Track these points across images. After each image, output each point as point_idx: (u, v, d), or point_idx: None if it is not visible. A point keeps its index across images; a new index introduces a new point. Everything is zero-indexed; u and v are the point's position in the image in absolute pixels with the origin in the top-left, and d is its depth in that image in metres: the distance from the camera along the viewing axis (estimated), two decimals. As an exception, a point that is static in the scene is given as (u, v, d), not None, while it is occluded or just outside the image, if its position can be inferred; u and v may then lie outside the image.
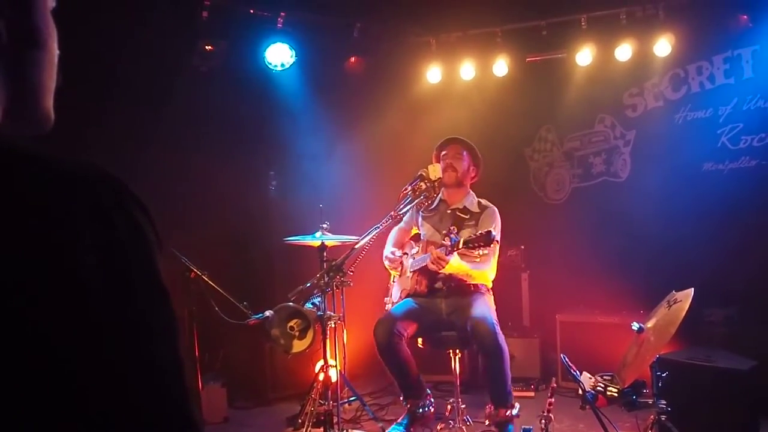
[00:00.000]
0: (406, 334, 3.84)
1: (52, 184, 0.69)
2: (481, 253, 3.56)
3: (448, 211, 4.11)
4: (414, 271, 4.01)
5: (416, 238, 4.31)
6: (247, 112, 5.39)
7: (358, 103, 5.79)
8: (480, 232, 3.51)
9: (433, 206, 4.15)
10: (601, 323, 5.06)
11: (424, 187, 3.75)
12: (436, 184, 3.77)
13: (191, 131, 5.05)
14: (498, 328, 3.70)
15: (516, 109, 5.96)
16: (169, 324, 0.74)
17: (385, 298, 4.28)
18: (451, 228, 3.83)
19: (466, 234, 3.83)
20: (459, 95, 5.99)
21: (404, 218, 4.14)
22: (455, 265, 3.69)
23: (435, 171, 3.79)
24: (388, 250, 4.21)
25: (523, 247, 5.63)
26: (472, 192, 4.19)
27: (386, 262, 4.16)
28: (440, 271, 3.75)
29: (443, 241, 3.72)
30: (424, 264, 3.87)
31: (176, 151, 4.79)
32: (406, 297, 4.05)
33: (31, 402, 0.66)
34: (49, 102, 0.85)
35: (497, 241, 3.89)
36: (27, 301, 0.66)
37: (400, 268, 4.17)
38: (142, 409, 0.70)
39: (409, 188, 3.75)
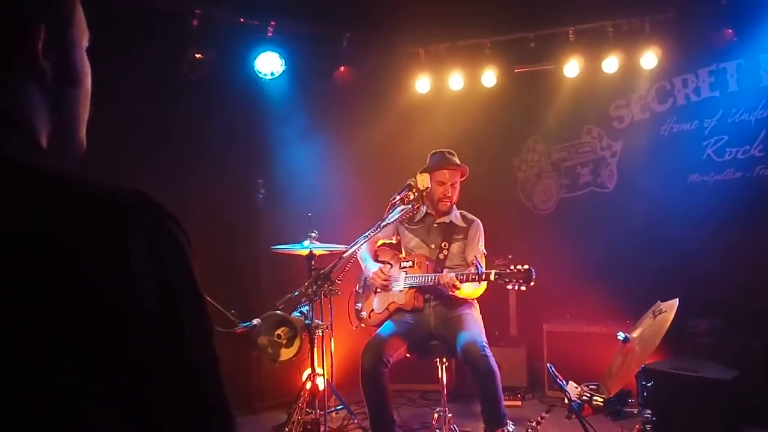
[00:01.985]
0: (392, 360, 3.78)
1: (103, 207, 0.77)
2: (516, 287, 3.56)
3: (435, 225, 4.10)
4: (408, 288, 3.95)
5: (395, 247, 4.27)
6: (236, 120, 5.39)
7: (347, 112, 5.80)
8: (520, 267, 3.52)
9: (419, 218, 4.12)
10: (587, 333, 5.06)
11: (412, 196, 3.73)
12: (423, 194, 3.75)
13: (179, 140, 5.03)
14: (488, 350, 3.66)
15: (504, 119, 6.02)
16: (207, 327, 0.83)
17: (357, 305, 4.18)
18: (443, 244, 3.88)
19: (456, 248, 3.91)
20: (448, 105, 6.01)
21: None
22: (466, 291, 3.71)
23: (423, 181, 3.75)
24: (377, 266, 4.11)
25: (510, 256, 4.92)
26: (455, 207, 4.21)
27: (378, 281, 4.03)
28: (453, 294, 3.75)
29: (470, 269, 3.73)
30: (427, 283, 3.85)
31: (164, 160, 4.77)
32: (394, 310, 3.99)
33: (84, 395, 0.73)
34: (83, 131, 0.95)
35: (484, 252, 3.96)
36: (86, 315, 0.73)
37: (388, 281, 4.06)
38: (188, 404, 0.78)
39: (398, 198, 3.72)
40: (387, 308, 4.01)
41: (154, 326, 0.76)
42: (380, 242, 4.24)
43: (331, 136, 5.70)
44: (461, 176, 4.13)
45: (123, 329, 0.74)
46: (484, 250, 3.96)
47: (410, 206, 3.74)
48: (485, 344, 3.69)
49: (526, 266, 3.48)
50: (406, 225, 4.15)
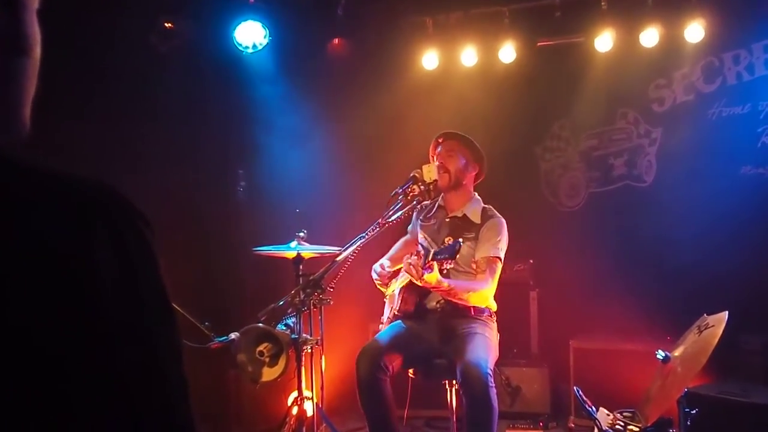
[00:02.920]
0: (391, 368, 3.78)
1: (64, 201, 0.79)
2: (447, 267, 3.55)
3: (447, 219, 4.09)
4: (401, 288, 3.96)
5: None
6: (212, 100, 5.40)
7: (341, 92, 5.78)
8: (447, 241, 3.55)
9: (431, 212, 4.15)
10: (621, 351, 5.05)
11: (417, 190, 3.76)
12: (431, 187, 3.78)
13: (146, 121, 5.02)
14: (491, 380, 3.57)
15: (525, 101, 5.96)
16: (178, 346, 0.86)
17: (382, 317, 4.26)
18: (446, 240, 3.83)
19: (465, 249, 3.80)
20: (459, 84, 5.97)
21: (409, 228, 4.21)
22: (434, 282, 3.52)
23: (430, 172, 3.79)
24: (377, 264, 4.18)
25: (531, 261, 5.62)
26: (477, 197, 4.14)
27: (373, 275, 4.13)
28: (421, 285, 3.63)
29: (418, 250, 3.69)
30: (402, 277, 3.89)
31: (127, 145, 4.79)
32: (394, 318, 4.03)
33: (40, 413, 0.75)
34: (28, 110, 0.93)
35: (500, 258, 3.88)
36: (39, 315, 0.75)
37: (380, 279, 4.16)
38: (149, 424, 0.80)
39: (401, 192, 3.74)
40: (390, 316, 4.08)
41: (120, 342, 0.77)
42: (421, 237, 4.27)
43: (323, 120, 5.68)
44: (469, 152, 4.08)
45: (85, 341, 0.75)
46: (500, 255, 3.88)
47: (415, 202, 3.80)
48: (490, 372, 3.59)
49: (452, 240, 3.47)
50: (421, 220, 4.19)
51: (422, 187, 3.75)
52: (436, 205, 4.13)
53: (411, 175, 3.77)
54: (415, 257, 3.46)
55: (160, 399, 0.82)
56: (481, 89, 5.92)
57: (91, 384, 0.77)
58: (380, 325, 4.18)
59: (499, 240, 3.91)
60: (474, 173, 4.12)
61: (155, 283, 0.84)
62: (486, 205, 4.10)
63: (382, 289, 4.21)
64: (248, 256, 4.49)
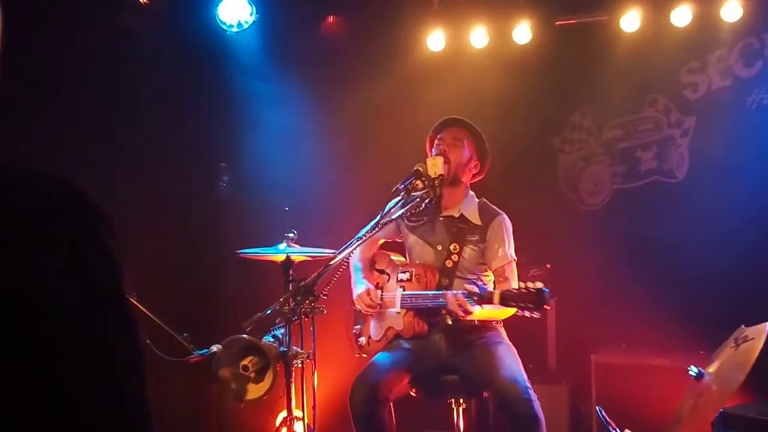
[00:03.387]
0: (391, 396, 3.79)
1: (15, 197, 0.83)
2: (526, 314, 3.48)
3: (441, 218, 4.04)
4: (408, 308, 3.93)
5: (399, 249, 4.32)
6: (191, 85, 5.37)
7: (336, 77, 5.77)
8: (530, 285, 3.40)
9: (419, 209, 4.00)
10: (648, 366, 5.02)
11: (420, 186, 3.74)
12: (436, 183, 3.75)
13: (117, 109, 4.99)
14: (532, 392, 3.59)
15: (542, 87, 5.94)
16: (137, 359, 0.90)
17: (355, 327, 4.21)
18: (476, 280, 3.84)
19: (468, 253, 3.86)
20: (468, 68, 5.95)
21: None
22: (480, 313, 3.64)
23: (435, 166, 3.77)
24: (359, 288, 4.10)
25: (548, 266, 5.62)
26: (472, 193, 4.11)
27: (360, 305, 4.05)
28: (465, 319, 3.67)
29: (467, 286, 3.66)
30: (427, 304, 3.83)
31: (96, 134, 4.76)
32: (393, 336, 3.99)
33: None
34: None
35: (514, 258, 3.91)
36: None
37: (379, 296, 4.06)
38: (92, 410, 0.85)
39: (402, 188, 3.73)
40: (385, 334, 4.03)
41: (69, 351, 0.79)
42: (381, 241, 4.29)
43: (316, 107, 5.67)
44: (474, 144, 4.05)
45: (23, 328, 0.78)
46: (514, 256, 3.92)
47: (417, 200, 3.75)
48: (528, 385, 3.63)
49: (538, 285, 3.37)
50: (407, 221, 4.11)
51: (426, 182, 3.72)
52: (426, 201, 3.96)
53: (414, 168, 3.75)
54: (460, 293, 3.55)
55: (106, 387, 0.86)
56: (492, 74, 5.87)
57: (29, 368, 0.81)
58: (359, 339, 4.14)
59: (509, 240, 3.94)
60: (474, 171, 4.10)
61: (111, 287, 0.88)
62: (480, 199, 4.08)
63: (370, 311, 4.11)
64: (232, 259, 4.45)
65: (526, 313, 3.38)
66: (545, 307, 3.34)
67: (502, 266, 3.85)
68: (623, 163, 6.07)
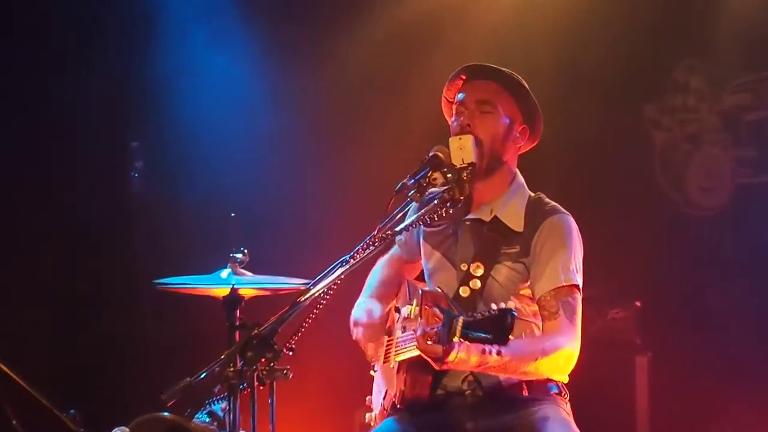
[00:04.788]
0: None
1: None
2: (491, 352, 2.74)
3: (467, 222, 3.39)
4: (401, 362, 3.35)
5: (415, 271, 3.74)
6: (89, 26, 4.93)
7: (309, 21, 5.23)
8: (493, 308, 2.67)
9: (441, 214, 3.42)
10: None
11: (440, 180, 3.04)
12: (465, 175, 3.07)
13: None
14: None
15: (626, 30, 5.06)
16: None
17: (368, 397, 3.69)
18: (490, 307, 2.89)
19: (504, 271, 3.17)
20: (507, 5, 5.17)
21: (399, 239, 3.52)
22: (472, 363, 2.88)
23: (463, 149, 3.14)
24: (361, 307, 3.51)
25: (638, 303, 5.00)
26: (520, 180, 3.43)
27: (355, 332, 3.49)
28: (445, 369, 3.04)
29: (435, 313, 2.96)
30: (413, 349, 3.21)
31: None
32: (390, 407, 3.44)
33: None
34: None
35: (578, 286, 3.17)
36: None
37: (383, 349, 3.49)
38: None
39: (413, 184, 3.02)
40: (383, 404, 3.55)
41: None
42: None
43: (277, 68, 5.16)
44: (513, 97, 3.37)
45: None
46: (576, 279, 3.16)
47: (437, 201, 3.09)
48: None
49: (504, 305, 2.64)
50: (424, 227, 3.56)
51: (449, 174, 3.05)
52: (446, 206, 3.38)
53: (430, 154, 3.08)
54: (424, 323, 2.86)
55: None
56: (545, 12, 5.11)
57: None
58: (367, 415, 3.67)
59: (572, 253, 3.23)
60: (522, 141, 3.42)
61: None
62: (534, 194, 3.44)
63: (369, 355, 3.54)
64: (148, 293, 4.42)
65: (491, 351, 2.70)
66: (509, 337, 2.66)
67: (553, 291, 3.15)
68: (753, 143, 5.18)
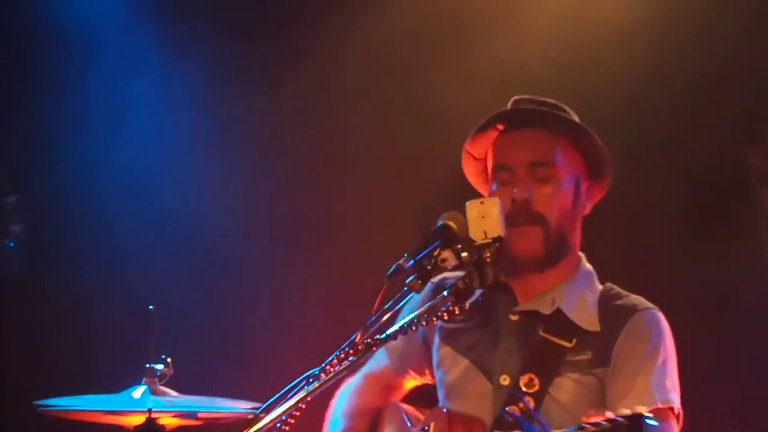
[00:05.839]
0: None
1: None
2: None
3: (513, 318, 2.92)
4: None
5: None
6: None
7: (276, 18, 4.53)
8: (623, 412, 2.01)
9: (474, 299, 2.74)
10: None
11: (452, 262, 2.47)
12: (487, 255, 2.46)
13: None
14: None
15: (725, 51, 4.22)
16: None
17: None
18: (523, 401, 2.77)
19: (571, 391, 2.71)
20: (552, 11, 4.35)
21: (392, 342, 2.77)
22: None
23: (486, 217, 2.52)
24: (341, 409, 3.18)
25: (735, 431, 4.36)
26: (587, 266, 2.98)
27: None
28: None
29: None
30: None
31: None
32: None
33: None
34: None
35: (675, 408, 2.63)
36: None
37: None
38: None
39: (411, 267, 2.40)
40: None
41: None
42: (410, 383, 3.39)
43: (233, 78, 4.51)
44: (572, 146, 2.91)
45: None
46: (674, 400, 2.63)
47: (446, 293, 2.48)
48: None
49: (638, 409, 1.93)
50: (441, 322, 2.96)
51: (464, 252, 2.49)
52: (462, 300, 2.75)
53: (439, 224, 2.53)
54: None
55: None
56: (619, 16, 4.27)
57: None
58: None
59: (667, 364, 2.77)
60: (588, 204, 3.02)
61: None
62: (605, 285, 2.98)
63: None
64: (29, 418, 3.74)
65: None
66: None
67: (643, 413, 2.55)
68: None
